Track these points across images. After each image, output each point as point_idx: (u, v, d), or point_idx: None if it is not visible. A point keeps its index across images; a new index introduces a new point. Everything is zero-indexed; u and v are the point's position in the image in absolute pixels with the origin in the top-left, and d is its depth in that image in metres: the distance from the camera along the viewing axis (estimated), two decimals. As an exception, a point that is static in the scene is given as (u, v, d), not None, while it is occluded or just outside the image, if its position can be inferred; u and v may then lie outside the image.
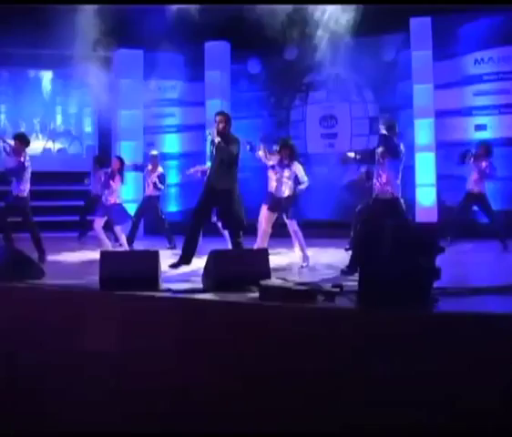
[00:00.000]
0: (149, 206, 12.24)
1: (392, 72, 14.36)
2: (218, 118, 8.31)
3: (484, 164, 11.05)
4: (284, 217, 9.14)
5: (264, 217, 9.39)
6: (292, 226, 9.10)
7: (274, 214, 9.24)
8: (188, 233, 8.24)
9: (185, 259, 8.03)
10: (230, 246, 10.36)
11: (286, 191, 9.16)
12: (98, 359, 5.80)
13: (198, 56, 15.49)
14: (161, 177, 12.12)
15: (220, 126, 8.22)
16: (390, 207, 8.03)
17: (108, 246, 10.22)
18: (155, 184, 12.02)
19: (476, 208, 11.47)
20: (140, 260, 6.47)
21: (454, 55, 13.72)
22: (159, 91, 16.25)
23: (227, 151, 8.20)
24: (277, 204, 9.17)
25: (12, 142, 9.95)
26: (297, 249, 9.55)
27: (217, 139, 8.19)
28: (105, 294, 6.24)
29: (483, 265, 9.14)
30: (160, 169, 12.29)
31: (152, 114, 16.22)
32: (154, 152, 12.73)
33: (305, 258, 9.04)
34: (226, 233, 10.96)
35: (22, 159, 9.69)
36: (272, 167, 9.79)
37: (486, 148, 11.23)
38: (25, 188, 9.72)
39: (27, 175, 9.72)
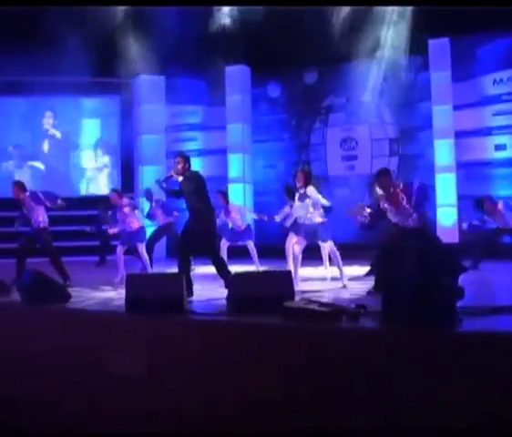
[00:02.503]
0: (165, 234, 12.28)
1: (411, 93, 14.41)
2: (178, 159, 8.33)
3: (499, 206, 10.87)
4: (320, 241, 9.29)
5: (296, 245, 9.35)
6: (331, 247, 9.20)
7: (305, 242, 9.31)
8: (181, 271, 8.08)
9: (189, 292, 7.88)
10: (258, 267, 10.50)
11: (316, 218, 9.18)
12: (125, 381, 5.87)
13: (218, 81, 15.65)
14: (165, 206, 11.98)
15: (179, 166, 8.26)
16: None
17: (123, 274, 10.09)
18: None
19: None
20: (166, 283, 6.52)
21: (473, 75, 13.75)
22: (181, 116, 16.43)
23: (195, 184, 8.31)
24: (311, 232, 9.21)
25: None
26: (327, 268, 10.04)
27: (180, 178, 8.29)
28: (131, 317, 6.31)
29: (506, 285, 9.11)
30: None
31: (174, 138, 16.40)
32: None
33: (343, 275, 9.15)
34: (254, 254, 11.13)
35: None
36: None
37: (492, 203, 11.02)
38: (45, 218, 9.95)
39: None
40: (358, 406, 4.79)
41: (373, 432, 4.69)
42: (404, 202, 7.80)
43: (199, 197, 8.26)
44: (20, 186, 10.11)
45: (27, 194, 10.01)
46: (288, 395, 5.09)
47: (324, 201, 9.31)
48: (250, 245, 11.41)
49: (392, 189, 7.91)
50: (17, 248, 9.97)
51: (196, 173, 8.44)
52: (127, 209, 10.58)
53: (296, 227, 9.97)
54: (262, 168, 15.97)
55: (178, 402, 5.60)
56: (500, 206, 10.78)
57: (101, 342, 6.22)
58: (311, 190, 9.25)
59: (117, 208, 10.70)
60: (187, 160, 8.38)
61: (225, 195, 11.82)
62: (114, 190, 11.21)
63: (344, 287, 8.90)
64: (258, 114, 16.06)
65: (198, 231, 8.14)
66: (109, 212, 11.58)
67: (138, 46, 14.14)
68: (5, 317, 7.17)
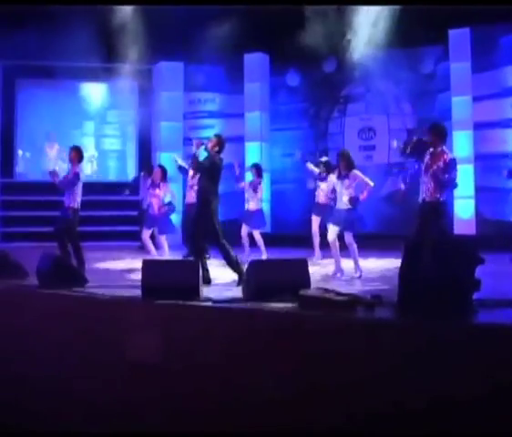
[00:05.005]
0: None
1: (430, 84, 14.34)
2: (212, 138, 8.47)
3: None
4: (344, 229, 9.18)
5: (330, 230, 9.27)
6: (349, 238, 9.11)
7: (337, 226, 9.22)
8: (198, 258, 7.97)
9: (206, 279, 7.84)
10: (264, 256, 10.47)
11: (346, 204, 9.14)
12: (139, 368, 5.90)
13: (237, 69, 15.66)
14: None
15: (210, 145, 8.31)
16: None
17: (155, 256, 10.18)
18: None
19: None
20: (181, 270, 6.55)
21: (493, 66, 13.64)
22: (199, 103, 16.45)
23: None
24: (339, 217, 9.17)
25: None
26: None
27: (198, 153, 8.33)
28: (146, 303, 6.33)
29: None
30: None
31: (192, 125, 16.42)
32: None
33: (358, 268, 9.14)
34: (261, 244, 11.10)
35: (77, 171, 9.79)
36: (321, 178, 10.03)
37: None
38: (77, 200, 9.72)
39: (78, 188, 9.76)
40: (372, 396, 4.79)
41: (386, 423, 4.69)
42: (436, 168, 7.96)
43: (208, 181, 8.24)
44: (79, 152, 9.98)
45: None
46: (302, 384, 5.10)
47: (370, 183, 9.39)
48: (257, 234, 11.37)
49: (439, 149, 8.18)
50: (55, 232, 9.74)
51: (217, 158, 8.40)
52: (161, 193, 10.63)
53: (326, 210, 10.01)
54: (280, 157, 15.96)
55: (192, 388, 5.63)
56: None
57: (116, 328, 6.26)
58: (357, 174, 9.32)
59: (152, 184, 10.84)
60: (219, 143, 8.38)
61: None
62: (160, 166, 11.36)
63: (360, 277, 8.92)
64: (276, 102, 16.06)
65: (199, 217, 8.19)
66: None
67: (156, 33, 14.12)
68: (23, 300, 7.23)
